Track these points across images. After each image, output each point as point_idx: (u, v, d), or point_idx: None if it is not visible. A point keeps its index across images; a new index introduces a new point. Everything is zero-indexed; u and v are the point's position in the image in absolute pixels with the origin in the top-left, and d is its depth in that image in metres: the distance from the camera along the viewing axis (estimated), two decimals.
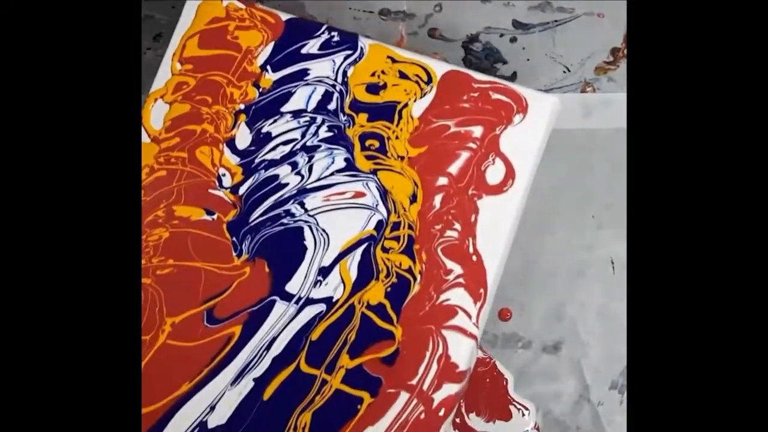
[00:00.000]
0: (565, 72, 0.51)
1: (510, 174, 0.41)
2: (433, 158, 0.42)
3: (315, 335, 0.39)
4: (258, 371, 0.39)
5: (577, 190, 0.47)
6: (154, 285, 0.41)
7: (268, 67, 0.45)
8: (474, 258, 0.40)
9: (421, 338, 0.39)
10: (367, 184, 0.42)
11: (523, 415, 0.41)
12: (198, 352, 0.39)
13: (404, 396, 0.38)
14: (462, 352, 0.39)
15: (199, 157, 0.43)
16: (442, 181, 0.41)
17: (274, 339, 0.39)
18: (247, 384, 0.39)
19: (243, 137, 0.44)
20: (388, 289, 0.40)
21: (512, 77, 0.52)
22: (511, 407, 0.41)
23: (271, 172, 0.43)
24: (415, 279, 0.40)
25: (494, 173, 0.41)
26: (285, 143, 0.43)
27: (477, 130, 0.42)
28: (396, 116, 0.43)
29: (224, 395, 0.39)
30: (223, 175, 0.43)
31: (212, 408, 0.38)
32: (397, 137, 0.42)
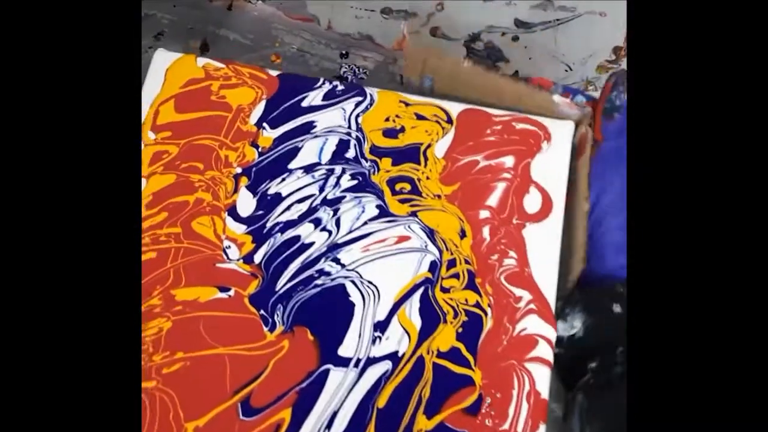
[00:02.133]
0: (566, 71, 0.51)
1: (547, 202, 0.40)
2: (469, 193, 0.40)
3: (382, 401, 0.34)
4: None
5: None
6: (161, 387, 0.34)
7: (265, 125, 0.42)
8: (536, 283, 0.38)
9: (505, 377, 0.35)
10: (409, 226, 0.39)
11: None
12: None
13: None
14: (544, 384, 0.36)
15: (198, 230, 0.39)
16: (485, 214, 0.40)
17: (334, 414, 0.34)
18: None
19: (245, 203, 0.40)
20: (459, 330, 0.36)
21: (514, 76, 0.52)
22: None
23: (290, 233, 0.39)
24: (486, 313, 0.37)
25: (532, 202, 0.40)
26: (301, 200, 0.40)
27: (508, 161, 0.41)
28: (422, 158, 0.41)
29: None
30: (228, 247, 0.38)
31: None
32: (428, 178, 0.41)
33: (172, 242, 0.38)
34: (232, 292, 0.37)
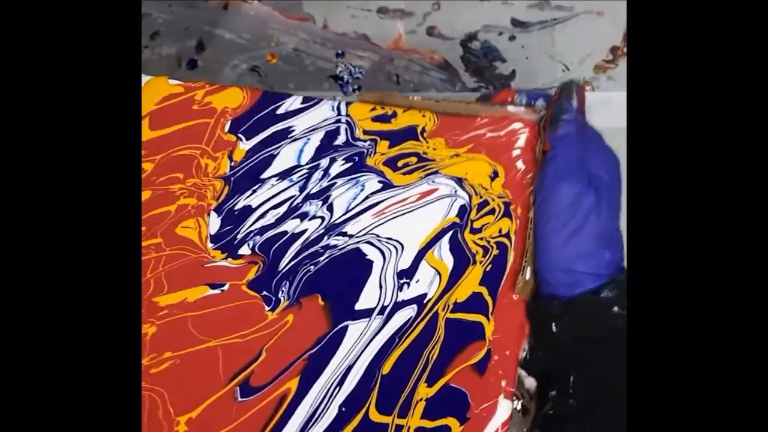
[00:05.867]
0: (564, 70, 0.51)
1: None
2: (490, 146, 0.38)
3: (387, 367, 0.33)
4: (323, 424, 0.32)
5: None
6: (149, 386, 0.33)
7: (241, 136, 0.40)
8: None
9: (518, 333, 0.33)
10: (433, 181, 0.37)
11: None
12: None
13: (506, 404, 0.32)
14: None
15: (183, 234, 0.37)
16: (516, 152, 0.37)
17: (349, 369, 0.32)
18: None
19: (211, 223, 0.37)
20: (488, 268, 0.34)
21: (511, 76, 0.52)
22: None
23: (272, 233, 0.37)
24: (511, 241, 0.35)
25: None
26: (277, 206, 0.37)
27: (517, 125, 0.38)
28: (421, 138, 0.39)
29: None
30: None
31: None
32: (434, 149, 0.38)
33: (152, 253, 0.37)
34: (226, 287, 0.36)
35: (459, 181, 0.37)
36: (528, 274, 0.34)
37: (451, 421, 0.32)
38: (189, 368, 0.33)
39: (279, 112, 0.40)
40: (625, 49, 0.50)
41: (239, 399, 0.32)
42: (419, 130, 0.39)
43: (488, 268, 0.35)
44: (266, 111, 0.40)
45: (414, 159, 0.38)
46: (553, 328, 0.33)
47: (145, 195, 0.38)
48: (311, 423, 0.32)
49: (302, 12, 0.52)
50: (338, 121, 0.40)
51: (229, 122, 0.40)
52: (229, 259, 0.36)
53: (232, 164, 0.39)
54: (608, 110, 0.49)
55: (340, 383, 0.32)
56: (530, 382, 0.34)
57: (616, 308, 0.32)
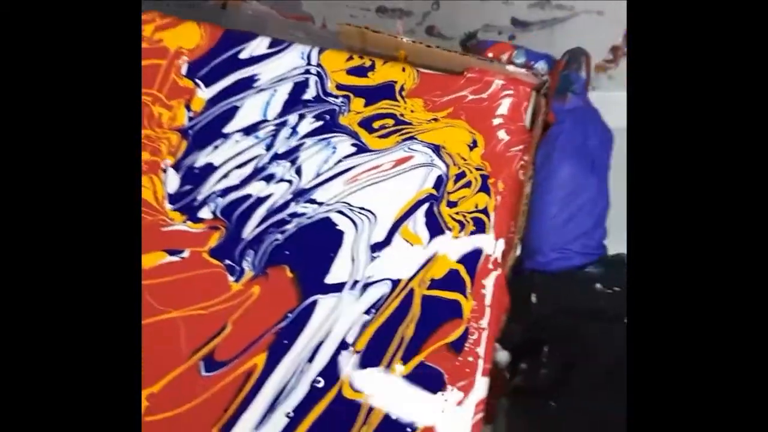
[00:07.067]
0: None
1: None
2: (472, 112, 0.35)
3: (361, 345, 0.31)
4: (293, 401, 0.30)
5: None
6: None
7: (199, 83, 0.36)
8: None
9: (497, 302, 0.32)
10: (409, 147, 0.35)
11: None
12: (203, 409, 0.30)
13: (483, 381, 0.31)
14: None
15: None
16: (498, 120, 0.35)
17: (320, 344, 0.31)
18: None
19: (167, 179, 0.34)
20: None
21: None
22: None
23: (235, 195, 0.34)
24: (489, 217, 0.33)
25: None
26: (241, 165, 0.34)
27: (499, 82, 0.36)
28: (399, 97, 0.36)
29: None
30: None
31: None
32: (412, 111, 0.35)
33: None
34: (186, 253, 0.33)
35: (436, 149, 0.35)
36: (518, 250, 0.33)
37: None
38: (148, 341, 0.31)
39: (242, 56, 0.37)
40: (625, 49, 0.50)
41: (203, 374, 0.30)
42: (398, 88, 0.36)
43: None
44: (228, 54, 0.37)
45: (391, 121, 0.35)
46: (533, 299, 0.32)
47: None
48: (280, 399, 0.30)
49: (301, 11, 0.52)
50: (308, 71, 0.36)
51: (186, 65, 0.37)
52: (189, 222, 0.33)
53: (191, 115, 0.35)
54: (608, 110, 0.49)
55: (311, 359, 0.31)
56: (503, 356, 0.33)
57: (598, 285, 0.32)
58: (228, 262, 0.33)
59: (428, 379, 0.30)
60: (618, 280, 0.33)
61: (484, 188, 0.34)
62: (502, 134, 0.35)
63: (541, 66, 0.36)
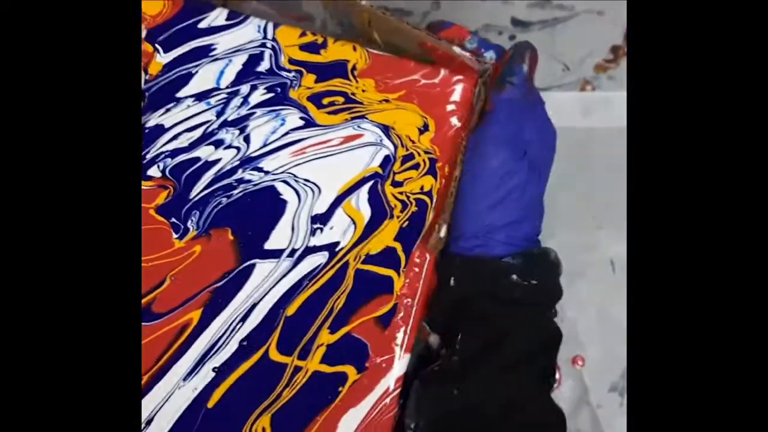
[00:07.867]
0: (564, 70, 0.51)
1: None
2: (424, 95, 0.36)
3: (291, 309, 0.33)
4: (221, 357, 0.32)
5: (577, 190, 0.47)
6: None
7: (158, 47, 0.37)
8: None
9: (426, 282, 0.33)
10: (359, 126, 0.36)
11: None
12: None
13: (404, 359, 0.33)
14: None
15: None
16: (451, 107, 0.36)
17: (254, 306, 0.32)
18: (205, 376, 0.32)
19: None
20: (405, 225, 0.34)
21: None
22: None
23: (183, 157, 0.35)
24: (432, 199, 0.34)
25: None
26: (191, 129, 0.35)
27: (447, 72, 0.37)
28: (351, 77, 0.37)
29: (172, 397, 0.31)
30: None
31: (149, 422, 0.31)
32: (363, 91, 0.36)
33: None
34: None
35: (386, 130, 0.36)
36: (443, 232, 0.33)
37: (349, 369, 0.32)
38: None
39: (201, 26, 0.38)
40: (626, 49, 0.50)
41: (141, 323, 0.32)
42: (350, 67, 0.37)
43: (405, 225, 0.34)
44: (187, 23, 0.38)
45: (341, 99, 0.36)
46: (451, 282, 0.33)
47: None
48: (210, 354, 0.32)
49: (301, 11, 0.51)
50: (263, 45, 0.37)
51: (146, 30, 0.38)
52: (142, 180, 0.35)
53: (147, 77, 0.37)
54: (608, 110, 0.49)
55: (243, 319, 0.32)
56: (434, 339, 0.34)
57: (515, 276, 0.32)
58: (173, 220, 0.34)
59: (353, 349, 0.32)
60: (536, 273, 0.33)
61: (431, 171, 0.35)
62: (454, 120, 0.36)
63: (489, 55, 0.37)
